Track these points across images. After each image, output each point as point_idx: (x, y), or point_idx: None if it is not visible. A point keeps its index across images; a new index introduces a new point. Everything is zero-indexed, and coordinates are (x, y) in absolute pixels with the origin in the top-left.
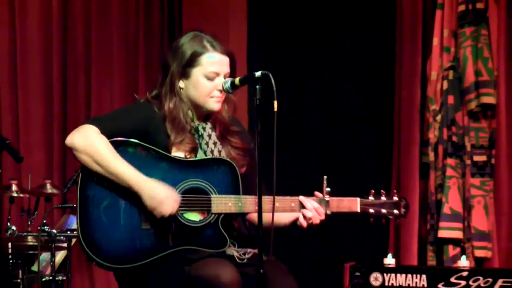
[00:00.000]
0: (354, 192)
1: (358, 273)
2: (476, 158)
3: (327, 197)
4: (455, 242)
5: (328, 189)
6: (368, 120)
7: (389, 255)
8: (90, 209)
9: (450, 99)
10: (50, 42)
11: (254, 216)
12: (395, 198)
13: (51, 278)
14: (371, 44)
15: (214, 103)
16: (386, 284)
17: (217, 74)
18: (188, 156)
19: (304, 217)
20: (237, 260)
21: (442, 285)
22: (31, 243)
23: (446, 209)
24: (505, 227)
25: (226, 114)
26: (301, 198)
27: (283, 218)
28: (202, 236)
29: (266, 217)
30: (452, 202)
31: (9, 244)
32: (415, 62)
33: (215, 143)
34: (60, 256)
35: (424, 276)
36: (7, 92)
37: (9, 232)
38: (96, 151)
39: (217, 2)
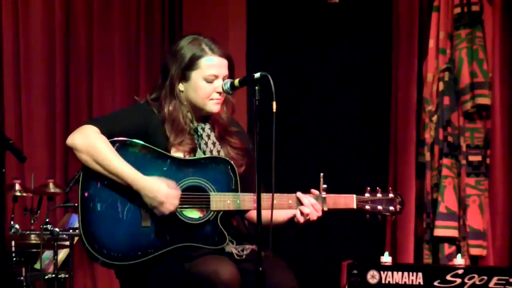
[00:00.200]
0: (352, 192)
1: (355, 271)
2: (471, 158)
3: (323, 194)
4: (450, 240)
5: (325, 185)
6: (365, 120)
7: (386, 254)
8: (91, 208)
9: (446, 100)
10: (52, 44)
11: (253, 215)
12: (391, 195)
13: (53, 276)
14: (368, 46)
15: (213, 105)
16: (383, 282)
17: (216, 77)
18: (187, 156)
19: (302, 213)
20: (236, 256)
21: (438, 283)
22: (34, 242)
23: (442, 208)
24: (500, 226)
25: (225, 115)
26: (299, 194)
27: (281, 215)
28: (202, 233)
29: (265, 214)
30: (447, 201)
31: (13, 242)
32: (412, 64)
33: (214, 143)
34: (62, 254)
35: (420, 274)
36: (10, 93)
37: (12, 230)
38: (96, 151)
39: (217, 5)
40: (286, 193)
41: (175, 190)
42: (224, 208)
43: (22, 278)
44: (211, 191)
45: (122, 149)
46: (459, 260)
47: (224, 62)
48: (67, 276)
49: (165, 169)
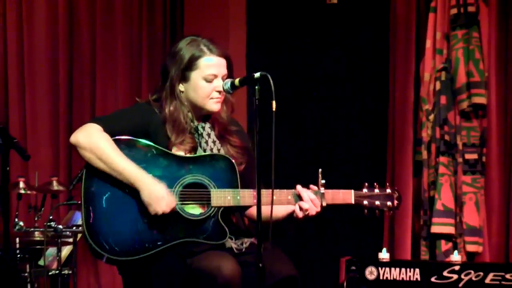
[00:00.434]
0: (350, 189)
1: (353, 267)
2: (468, 156)
3: (322, 189)
4: (447, 237)
5: (323, 181)
6: (363, 119)
7: (384, 250)
8: (94, 205)
9: (443, 99)
10: (56, 46)
11: (253, 212)
12: (388, 191)
13: (57, 272)
14: (367, 46)
15: (213, 104)
16: (381, 277)
17: (215, 76)
18: (188, 155)
19: (301, 208)
20: (235, 251)
21: (435, 279)
22: (38, 238)
23: (438, 206)
24: (496, 223)
25: (225, 115)
26: (299, 187)
27: (280, 211)
28: (203, 228)
29: (264, 211)
30: (444, 198)
31: (17, 239)
32: (409, 64)
33: (214, 142)
34: (66, 251)
35: (417, 270)
36: (15, 93)
37: (16, 227)
38: (99, 148)
39: (217, 6)
40: (286, 189)
41: (172, 196)
42: (225, 204)
43: (26, 274)
44: (211, 188)
45: (125, 147)
46: (455, 257)
47: (222, 62)
48: (70, 272)
49: (166, 166)
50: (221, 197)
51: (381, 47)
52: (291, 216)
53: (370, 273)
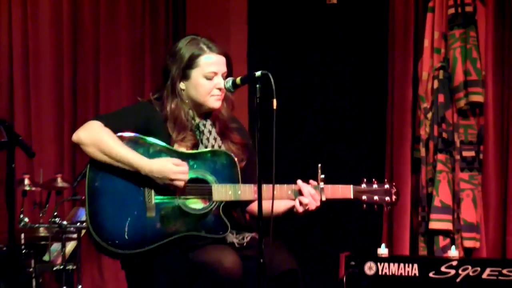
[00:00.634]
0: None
1: (353, 263)
2: (465, 153)
3: (321, 184)
4: (445, 233)
5: (323, 176)
6: (363, 117)
7: (383, 246)
8: (97, 200)
9: (441, 98)
10: (60, 45)
11: (254, 208)
12: (387, 186)
13: (61, 267)
14: (366, 46)
15: (214, 101)
16: (380, 273)
17: (215, 74)
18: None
19: (301, 203)
20: (237, 245)
21: (433, 274)
22: (42, 234)
23: (436, 202)
24: (492, 219)
25: (225, 112)
26: (299, 182)
27: (280, 206)
28: (204, 222)
29: (265, 206)
30: (442, 195)
31: (22, 235)
32: (407, 63)
33: (215, 139)
34: (70, 246)
35: (416, 265)
36: (20, 91)
37: (22, 223)
38: (102, 141)
39: (219, 6)
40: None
41: (182, 166)
42: (226, 198)
43: (31, 269)
44: (212, 183)
45: (128, 143)
46: (453, 252)
47: (222, 60)
48: (74, 267)
49: None
50: (222, 191)
51: (380, 46)
52: (291, 211)
53: (369, 268)
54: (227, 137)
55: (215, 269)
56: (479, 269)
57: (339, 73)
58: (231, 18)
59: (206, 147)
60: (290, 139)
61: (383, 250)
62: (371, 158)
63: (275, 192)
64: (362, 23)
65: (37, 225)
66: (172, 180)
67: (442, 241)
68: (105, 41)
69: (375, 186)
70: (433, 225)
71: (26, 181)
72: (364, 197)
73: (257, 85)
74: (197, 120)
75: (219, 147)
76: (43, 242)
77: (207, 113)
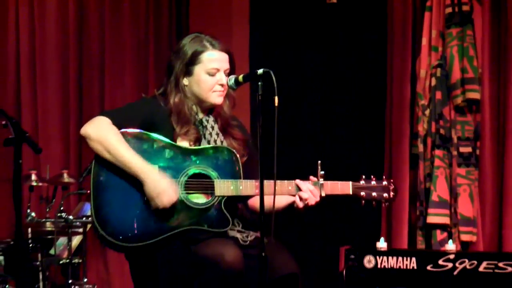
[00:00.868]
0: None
1: (352, 256)
2: (462, 149)
3: (321, 180)
4: (442, 227)
5: (322, 172)
6: (362, 114)
7: (382, 239)
8: (102, 194)
9: (438, 95)
10: (66, 43)
11: (255, 204)
12: (385, 182)
13: (67, 261)
14: (365, 44)
15: (216, 97)
16: (379, 266)
17: (218, 70)
18: (192, 145)
19: (301, 198)
20: (241, 242)
21: (431, 267)
22: (49, 229)
23: (434, 197)
24: (489, 213)
25: (227, 109)
26: (298, 181)
27: (281, 201)
28: (207, 216)
29: (266, 202)
30: (439, 190)
31: (29, 230)
32: (405, 61)
33: (217, 134)
34: (76, 240)
35: (414, 259)
36: (27, 89)
37: (28, 218)
38: (107, 141)
39: (221, 5)
40: (287, 180)
41: (173, 189)
42: (228, 193)
43: (38, 263)
44: (215, 178)
45: (132, 138)
46: (450, 246)
47: (225, 56)
48: (80, 261)
49: (171, 157)
50: (224, 187)
51: (378, 45)
52: (291, 206)
53: (368, 261)
54: (229, 133)
55: (217, 262)
56: (475, 262)
57: (339, 71)
58: (234, 17)
59: (208, 142)
60: (290, 136)
61: (382, 244)
62: (370, 154)
63: (276, 188)
64: (362, 22)
65: (43, 220)
66: (157, 196)
67: (439, 235)
68: (110, 39)
69: (373, 182)
70: (431, 219)
71: (33, 177)
72: (362, 193)
73: (259, 83)
74: (200, 115)
75: (221, 142)
76: (49, 236)
77: (209, 109)
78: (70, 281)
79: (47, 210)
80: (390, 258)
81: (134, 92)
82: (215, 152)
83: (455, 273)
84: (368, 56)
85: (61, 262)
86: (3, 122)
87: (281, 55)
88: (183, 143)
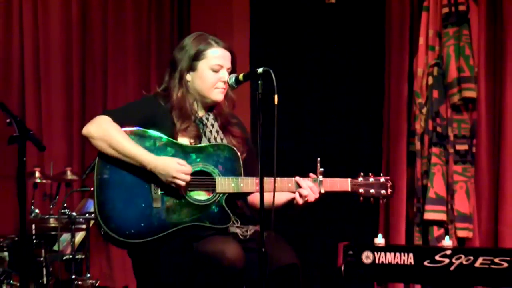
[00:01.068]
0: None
1: (351, 252)
2: (459, 147)
3: (320, 177)
4: (439, 223)
5: (322, 169)
6: (360, 112)
7: (379, 235)
8: (106, 191)
9: (435, 93)
10: (70, 43)
11: (255, 200)
12: (382, 180)
13: (71, 256)
14: (363, 44)
15: (218, 94)
16: (377, 262)
17: (221, 67)
18: (192, 143)
19: (300, 195)
20: (240, 237)
21: (428, 263)
22: (53, 225)
23: (431, 194)
24: (485, 210)
25: (226, 109)
26: (297, 178)
27: (281, 198)
28: (208, 213)
29: (266, 198)
30: (436, 187)
31: (33, 226)
32: (403, 60)
33: (217, 132)
34: (79, 236)
35: (411, 255)
36: (31, 87)
37: (32, 215)
38: (111, 136)
39: (222, 5)
40: (286, 177)
41: (185, 167)
42: (229, 190)
43: (41, 259)
44: (216, 175)
45: (134, 137)
46: (447, 242)
47: (228, 55)
48: (83, 257)
49: (174, 155)
50: (225, 184)
51: (376, 44)
52: (291, 202)
53: (367, 257)
54: (229, 131)
55: (218, 259)
56: (472, 258)
57: (338, 70)
58: (234, 16)
59: (209, 139)
60: (290, 134)
61: (380, 240)
62: (368, 151)
63: (275, 185)
64: (360, 22)
65: (47, 216)
66: (174, 178)
67: (436, 231)
68: (113, 40)
69: (371, 179)
70: (428, 215)
71: (37, 174)
72: (361, 190)
73: (259, 81)
74: (200, 113)
75: (221, 140)
76: (53, 233)
77: (210, 108)
78: (73, 276)
79: (51, 206)
80: (388, 253)
81: (136, 91)
82: (216, 150)
83: (451, 268)
84: (366, 56)
85: (64, 257)
86: (8, 120)
87: (280, 55)
88: (183, 140)
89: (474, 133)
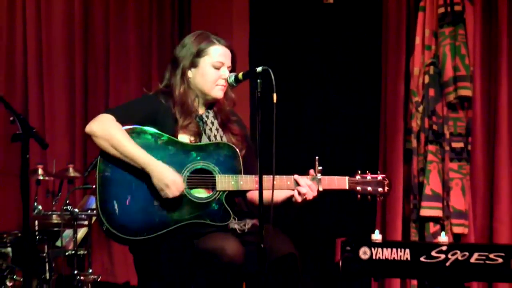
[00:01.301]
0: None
1: (348, 248)
2: (454, 144)
3: (319, 176)
4: (435, 220)
5: (320, 167)
6: (357, 111)
7: (376, 232)
8: (107, 189)
9: (431, 92)
10: (72, 42)
11: (254, 197)
12: (379, 177)
13: (73, 252)
14: (360, 43)
15: (218, 91)
16: (374, 257)
17: (222, 64)
18: (193, 141)
19: (299, 193)
20: (238, 231)
21: (424, 258)
22: (55, 221)
23: (427, 190)
24: (480, 206)
25: (226, 107)
26: (296, 176)
27: (280, 195)
28: (209, 211)
29: (265, 195)
30: (432, 184)
31: (36, 222)
32: (400, 59)
33: (217, 129)
34: (81, 232)
35: (407, 250)
36: (34, 86)
37: (36, 211)
38: (112, 136)
39: (222, 4)
40: (285, 175)
41: (180, 180)
42: (229, 188)
43: (44, 254)
44: (216, 173)
45: (136, 135)
46: (443, 238)
47: (229, 53)
48: (85, 252)
49: (174, 153)
50: (225, 182)
51: (374, 44)
52: (290, 200)
53: (364, 253)
54: (228, 129)
55: (218, 256)
56: (467, 253)
57: (335, 69)
58: (234, 16)
59: (209, 137)
60: (288, 132)
61: (377, 236)
62: (365, 149)
63: (274, 183)
64: (357, 21)
65: (50, 213)
66: (167, 186)
67: (432, 227)
68: (115, 39)
69: (368, 177)
70: (424, 212)
71: (40, 171)
72: (358, 188)
73: (258, 80)
74: (201, 111)
75: (221, 137)
76: (56, 229)
77: (210, 105)
78: (75, 272)
79: (54, 203)
80: (384, 249)
81: (138, 89)
82: (216, 148)
83: (447, 264)
84: (363, 55)
85: (67, 253)
86: (11, 118)
87: (280, 53)
88: (184, 138)
89: (470, 131)
